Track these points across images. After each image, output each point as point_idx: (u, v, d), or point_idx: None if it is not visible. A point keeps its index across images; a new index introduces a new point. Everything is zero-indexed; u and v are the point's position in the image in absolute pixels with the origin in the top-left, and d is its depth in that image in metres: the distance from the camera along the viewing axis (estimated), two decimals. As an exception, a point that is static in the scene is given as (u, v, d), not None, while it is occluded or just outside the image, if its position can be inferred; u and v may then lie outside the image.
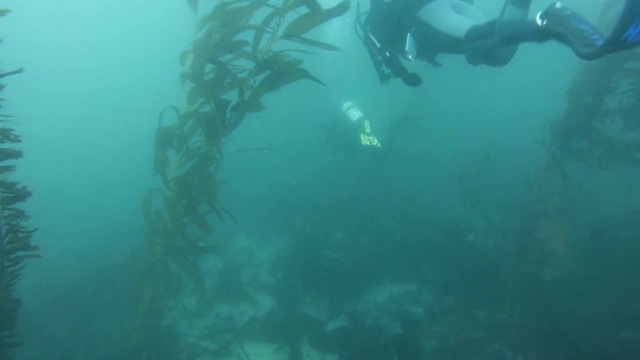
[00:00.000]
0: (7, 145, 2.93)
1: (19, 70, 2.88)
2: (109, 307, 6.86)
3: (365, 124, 10.07)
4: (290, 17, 3.65)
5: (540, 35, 2.86)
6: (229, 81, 3.87)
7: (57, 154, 15.67)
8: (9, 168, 2.98)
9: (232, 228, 9.99)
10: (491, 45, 3.32)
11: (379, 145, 9.93)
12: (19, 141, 2.92)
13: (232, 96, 3.87)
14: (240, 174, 12.79)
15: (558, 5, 2.74)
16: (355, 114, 10.54)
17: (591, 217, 7.10)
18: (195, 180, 4.00)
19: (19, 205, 3.09)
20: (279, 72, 3.69)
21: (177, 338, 6.74)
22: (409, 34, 4.06)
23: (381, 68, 4.64)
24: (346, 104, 10.88)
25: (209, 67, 3.88)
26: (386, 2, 4.27)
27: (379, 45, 4.46)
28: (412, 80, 4.38)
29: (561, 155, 5.71)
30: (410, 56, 4.16)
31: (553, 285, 5.27)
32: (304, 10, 3.58)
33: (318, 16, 3.42)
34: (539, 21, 2.85)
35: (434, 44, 4.00)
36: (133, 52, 30.29)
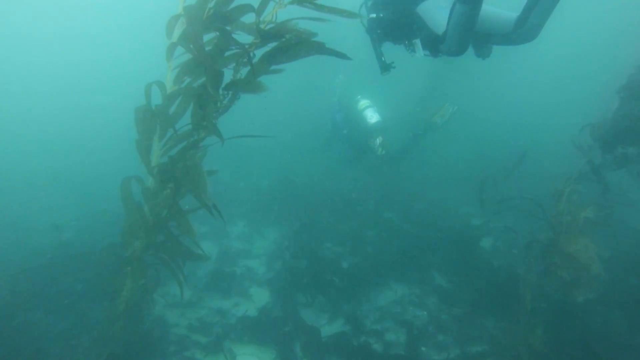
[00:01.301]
0: None
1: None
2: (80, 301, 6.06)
3: (378, 140, 9.21)
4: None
5: None
6: (235, 51, 3.05)
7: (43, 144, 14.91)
8: None
9: (232, 213, 9.40)
10: (461, 16, 3.31)
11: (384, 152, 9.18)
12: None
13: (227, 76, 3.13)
14: (242, 162, 12.12)
15: None
16: (373, 116, 9.55)
17: (632, 233, 6.28)
18: (179, 169, 3.26)
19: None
20: (287, 44, 2.92)
21: (165, 329, 6.11)
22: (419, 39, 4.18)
23: (382, 59, 4.64)
24: (363, 102, 9.82)
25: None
26: None
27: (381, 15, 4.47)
28: (385, 68, 4.66)
29: (601, 162, 4.92)
30: (417, 53, 4.28)
31: (585, 308, 4.53)
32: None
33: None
34: None
35: (424, 37, 4.04)
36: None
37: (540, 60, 22.64)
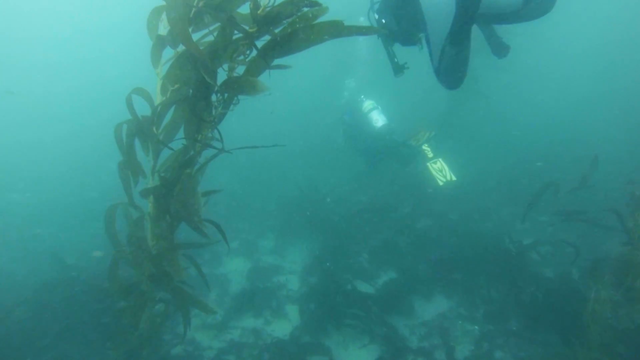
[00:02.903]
0: None
1: None
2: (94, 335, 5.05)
3: (426, 148, 8.21)
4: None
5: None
6: (239, 41, 2.32)
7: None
8: None
9: (261, 226, 8.69)
10: (453, 57, 3.07)
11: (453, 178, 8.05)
12: None
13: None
14: (261, 174, 11.23)
15: None
16: (378, 119, 8.59)
17: None
18: (175, 194, 2.58)
19: None
20: (292, 29, 2.19)
21: (199, 352, 5.48)
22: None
23: (395, 60, 4.38)
24: (368, 103, 8.81)
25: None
26: None
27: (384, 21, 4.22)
28: (398, 70, 4.39)
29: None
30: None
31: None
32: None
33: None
34: None
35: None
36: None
37: (568, 53, 20.91)
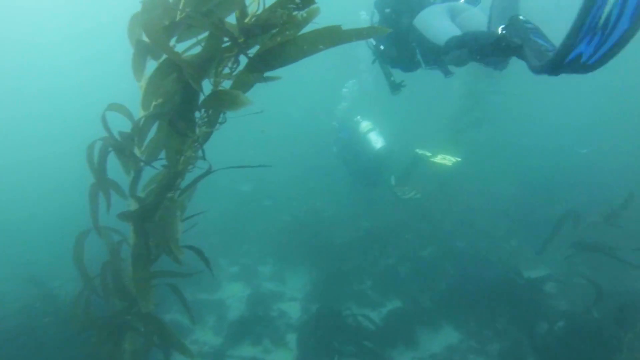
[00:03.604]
0: None
1: None
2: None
3: (420, 151, 7.88)
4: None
5: (499, 44, 2.50)
6: (225, 52, 2.05)
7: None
8: None
9: (264, 251, 8.31)
10: (464, 57, 3.02)
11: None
12: None
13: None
14: (261, 197, 10.79)
15: (521, 17, 2.46)
16: (378, 140, 8.24)
17: None
18: (155, 221, 2.28)
19: None
20: (283, 39, 1.92)
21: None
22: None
23: (392, 78, 4.37)
24: (365, 124, 8.50)
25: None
26: (387, 12, 3.96)
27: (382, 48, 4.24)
28: (394, 88, 4.40)
29: None
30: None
31: None
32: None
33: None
34: (500, 31, 2.56)
35: (426, 50, 3.66)
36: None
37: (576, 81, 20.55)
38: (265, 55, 1.98)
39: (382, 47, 4.26)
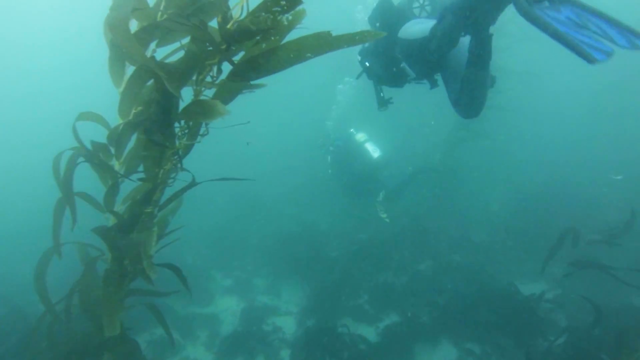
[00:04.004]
0: None
1: None
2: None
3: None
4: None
5: None
6: (207, 59, 1.88)
7: None
8: None
9: (258, 264, 8.09)
10: (451, 28, 2.72)
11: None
12: None
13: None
14: (254, 209, 10.49)
15: None
16: (375, 150, 8.22)
17: None
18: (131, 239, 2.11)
19: None
20: (268, 47, 1.78)
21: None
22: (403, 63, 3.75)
23: (381, 94, 4.32)
24: (360, 135, 8.49)
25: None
26: (377, 26, 3.81)
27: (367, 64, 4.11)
28: (382, 104, 4.34)
29: None
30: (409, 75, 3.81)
31: None
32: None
33: None
34: None
35: (417, 56, 3.41)
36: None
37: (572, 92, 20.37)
38: (249, 63, 1.83)
39: (367, 64, 4.14)
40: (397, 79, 3.97)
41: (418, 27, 3.23)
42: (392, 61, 3.83)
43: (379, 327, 6.07)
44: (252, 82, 1.88)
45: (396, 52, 3.64)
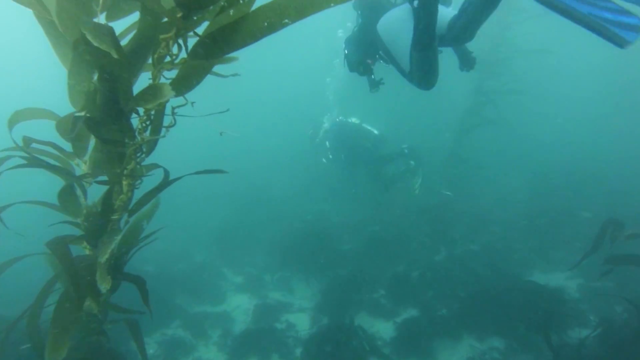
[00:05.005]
0: None
1: None
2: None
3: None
4: None
5: None
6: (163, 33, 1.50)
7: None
8: None
9: (270, 259, 7.69)
10: (420, 61, 2.98)
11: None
12: None
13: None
14: (272, 204, 10.09)
15: None
16: (373, 129, 8.14)
17: None
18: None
19: None
20: (236, 18, 1.39)
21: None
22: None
23: (372, 77, 4.32)
24: (353, 119, 8.44)
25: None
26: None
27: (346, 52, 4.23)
28: (373, 86, 4.37)
29: None
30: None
31: None
32: None
33: None
34: None
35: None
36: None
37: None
38: (215, 36, 1.44)
39: (346, 51, 4.25)
40: (364, 70, 4.15)
41: (400, 45, 3.24)
42: (371, 55, 4.01)
43: (397, 322, 5.69)
44: (221, 58, 1.49)
45: (379, 47, 3.69)
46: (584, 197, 8.46)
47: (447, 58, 4.12)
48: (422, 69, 3.05)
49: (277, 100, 18.91)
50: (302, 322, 5.94)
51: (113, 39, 1.31)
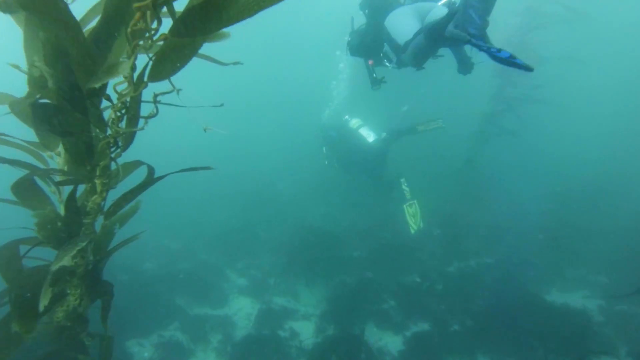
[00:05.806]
0: None
1: None
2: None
3: (405, 188, 7.26)
4: None
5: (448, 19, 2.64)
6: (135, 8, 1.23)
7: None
8: None
9: (276, 263, 7.35)
10: (420, 44, 3.10)
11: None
12: None
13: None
14: (280, 206, 9.71)
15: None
16: (370, 134, 7.74)
17: None
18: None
19: None
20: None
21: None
22: (385, 43, 4.01)
23: (373, 75, 4.42)
24: (355, 121, 8.05)
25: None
26: (367, 12, 4.16)
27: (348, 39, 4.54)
28: (375, 84, 4.45)
29: None
30: (388, 63, 4.18)
31: None
32: None
33: None
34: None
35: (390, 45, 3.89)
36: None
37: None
38: (198, 12, 1.15)
39: (348, 39, 4.45)
40: (364, 51, 4.36)
41: (401, 27, 3.51)
42: (377, 44, 4.17)
43: (406, 336, 5.34)
44: (208, 35, 1.20)
45: (384, 37, 3.86)
46: (604, 215, 7.99)
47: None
48: (419, 51, 3.21)
49: (287, 103, 18.77)
50: (306, 331, 5.62)
51: (62, 6, 1.02)
